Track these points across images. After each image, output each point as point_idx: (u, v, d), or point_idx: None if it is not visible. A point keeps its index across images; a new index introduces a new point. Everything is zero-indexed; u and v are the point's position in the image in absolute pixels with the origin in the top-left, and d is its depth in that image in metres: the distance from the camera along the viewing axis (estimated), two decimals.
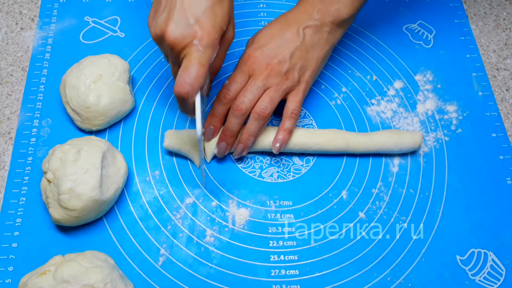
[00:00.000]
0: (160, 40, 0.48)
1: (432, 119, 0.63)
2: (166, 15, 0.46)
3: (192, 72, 0.45)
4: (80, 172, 0.50)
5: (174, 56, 0.48)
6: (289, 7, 0.60)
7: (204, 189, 0.57)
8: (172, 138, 0.57)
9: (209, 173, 0.58)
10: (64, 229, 0.54)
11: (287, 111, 0.56)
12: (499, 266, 0.53)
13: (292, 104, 0.56)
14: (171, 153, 0.59)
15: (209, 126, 0.56)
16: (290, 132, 0.56)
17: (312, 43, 0.56)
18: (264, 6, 0.71)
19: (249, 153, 0.59)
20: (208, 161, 0.58)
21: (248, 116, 0.55)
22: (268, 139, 0.57)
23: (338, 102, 0.64)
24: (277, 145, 0.56)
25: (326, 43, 0.57)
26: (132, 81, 0.64)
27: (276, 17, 0.59)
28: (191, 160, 0.59)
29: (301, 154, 0.60)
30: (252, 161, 0.59)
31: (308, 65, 0.56)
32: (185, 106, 0.48)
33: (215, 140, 0.57)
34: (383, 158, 0.60)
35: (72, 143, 0.54)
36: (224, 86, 0.56)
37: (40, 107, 0.62)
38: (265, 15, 0.70)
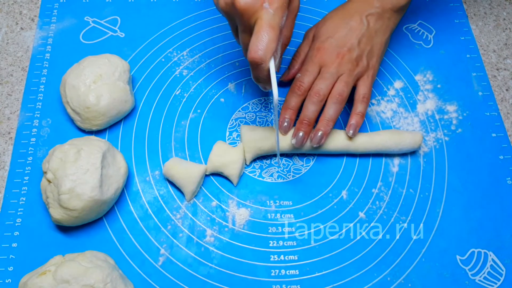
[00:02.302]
0: (229, 8, 0.48)
1: (432, 119, 0.63)
2: None
3: (264, 36, 0.45)
4: (80, 172, 0.50)
5: (244, 22, 0.47)
6: None
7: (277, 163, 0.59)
8: (171, 167, 0.56)
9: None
10: (64, 229, 0.54)
11: (358, 96, 0.57)
12: (499, 266, 0.54)
13: (363, 88, 0.58)
14: (171, 153, 0.59)
15: (284, 119, 0.56)
16: (363, 116, 0.57)
17: (376, 30, 0.58)
18: None
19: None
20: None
21: (324, 104, 0.56)
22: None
23: None
24: (351, 131, 0.56)
25: (387, 29, 0.60)
26: (132, 81, 0.64)
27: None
28: (190, 158, 0.59)
29: (301, 154, 0.60)
30: (252, 161, 0.59)
31: (375, 50, 0.59)
32: (258, 73, 0.48)
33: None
34: (383, 158, 0.60)
35: (72, 143, 0.54)
36: (296, 79, 0.57)
37: (40, 107, 0.62)
38: None
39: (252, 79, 0.51)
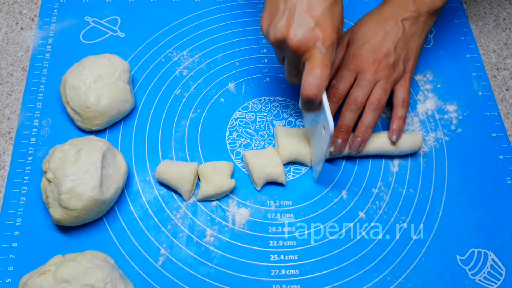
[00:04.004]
0: (280, 44, 0.48)
1: (432, 119, 0.63)
2: (286, 19, 0.47)
3: (318, 75, 0.46)
4: (80, 172, 0.50)
5: (295, 59, 0.48)
6: None
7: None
8: (162, 171, 0.55)
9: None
10: (64, 229, 0.54)
11: (398, 100, 0.58)
12: (499, 266, 0.54)
13: (402, 92, 0.58)
14: (171, 153, 0.59)
15: None
16: (404, 120, 0.57)
17: (411, 34, 0.58)
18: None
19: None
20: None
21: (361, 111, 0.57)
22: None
23: None
24: (394, 136, 0.57)
25: (422, 32, 0.59)
26: (132, 81, 0.64)
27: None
28: (190, 158, 0.59)
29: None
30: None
31: (410, 54, 0.59)
32: (311, 106, 0.49)
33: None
34: (383, 158, 0.60)
35: (72, 143, 0.54)
36: (332, 85, 0.57)
37: (40, 107, 0.62)
38: None
39: (300, 108, 0.51)
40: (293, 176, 0.58)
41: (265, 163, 0.55)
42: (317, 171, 0.56)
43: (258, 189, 0.57)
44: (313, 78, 0.46)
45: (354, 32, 0.60)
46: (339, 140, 0.55)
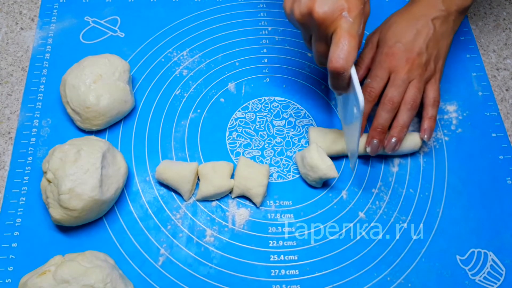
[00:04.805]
0: (306, 18, 0.48)
1: None
2: None
3: (345, 45, 0.45)
4: (80, 172, 0.50)
5: (321, 32, 0.47)
6: None
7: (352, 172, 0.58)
8: (162, 171, 0.55)
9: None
10: (64, 229, 0.54)
11: (429, 100, 0.58)
12: (499, 266, 0.53)
13: (432, 92, 0.58)
14: (171, 153, 0.59)
15: None
16: (435, 120, 0.57)
17: (442, 33, 0.58)
18: (264, 6, 0.71)
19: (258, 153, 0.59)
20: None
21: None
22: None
23: None
24: (426, 135, 0.57)
25: (452, 31, 0.60)
26: (132, 81, 0.64)
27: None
28: (190, 158, 0.59)
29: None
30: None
31: (441, 54, 0.59)
32: (339, 81, 0.48)
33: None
34: (383, 158, 0.60)
35: (72, 143, 0.54)
36: (366, 84, 0.57)
37: (40, 107, 0.62)
38: (265, 15, 0.70)
39: (329, 86, 0.51)
40: (293, 176, 0.58)
41: (251, 177, 0.55)
42: (353, 158, 0.55)
43: (233, 197, 0.56)
44: (340, 49, 0.45)
45: (384, 32, 0.60)
46: (375, 141, 0.55)
